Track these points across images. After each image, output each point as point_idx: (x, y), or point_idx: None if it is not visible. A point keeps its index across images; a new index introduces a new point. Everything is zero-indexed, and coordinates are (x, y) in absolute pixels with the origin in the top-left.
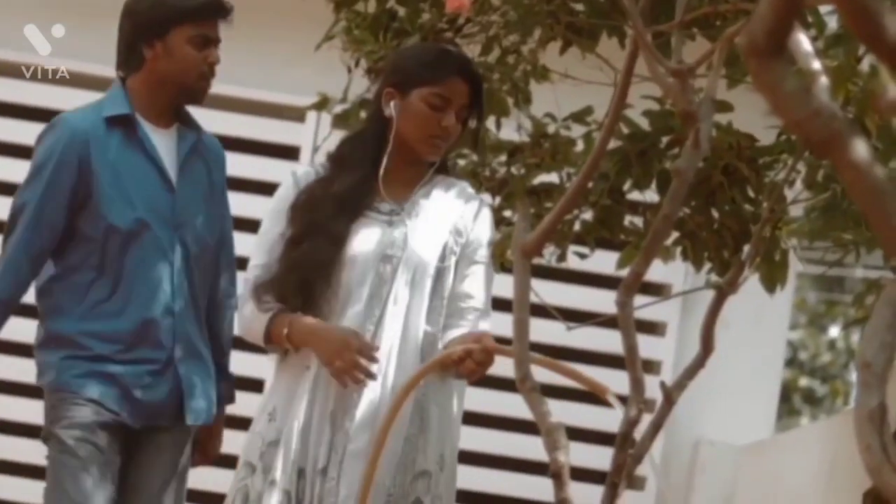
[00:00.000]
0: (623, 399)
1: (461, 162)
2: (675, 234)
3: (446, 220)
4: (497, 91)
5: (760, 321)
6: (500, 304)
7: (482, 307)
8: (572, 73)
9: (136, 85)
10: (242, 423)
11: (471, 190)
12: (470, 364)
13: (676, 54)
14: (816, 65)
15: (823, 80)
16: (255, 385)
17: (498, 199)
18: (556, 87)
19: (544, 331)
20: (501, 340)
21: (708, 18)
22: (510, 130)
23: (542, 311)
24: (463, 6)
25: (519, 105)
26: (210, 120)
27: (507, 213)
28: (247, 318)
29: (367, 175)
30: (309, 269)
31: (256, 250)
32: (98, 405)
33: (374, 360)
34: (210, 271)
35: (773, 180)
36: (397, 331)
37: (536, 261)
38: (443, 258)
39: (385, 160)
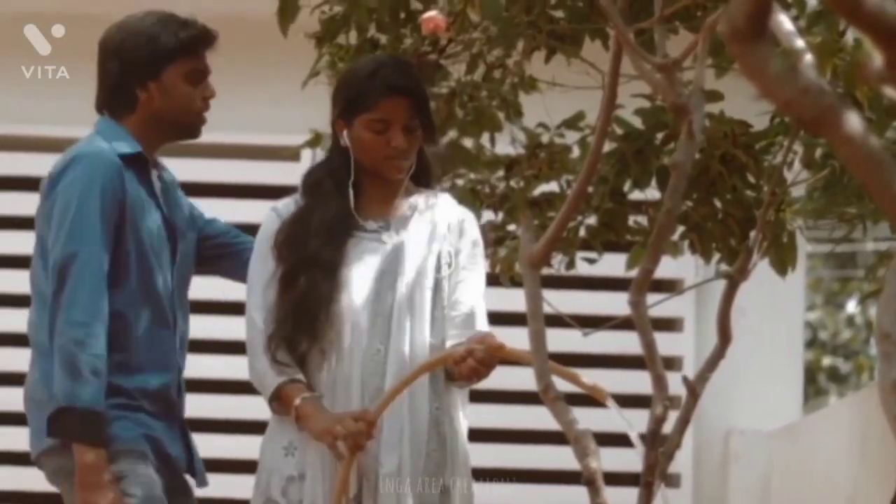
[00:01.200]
0: (647, 398)
1: (459, 182)
2: (681, 229)
3: (436, 231)
4: (487, 107)
5: (776, 305)
6: (514, 318)
7: (474, 311)
8: (560, 81)
9: (130, 126)
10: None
11: (452, 199)
12: (471, 363)
13: (661, 49)
14: (800, 43)
15: (809, 58)
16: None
17: (501, 215)
18: (545, 97)
19: (561, 339)
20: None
21: (688, 10)
22: (505, 145)
23: (557, 319)
24: (439, 27)
25: (510, 118)
26: (205, 169)
27: (512, 227)
28: (259, 373)
29: (344, 199)
30: (311, 305)
31: (251, 294)
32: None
33: (369, 435)
34: None
35: (772, 164)
36: (406, 346)
37: (546, 271)
38: (438, 269)
39: (352, 185)
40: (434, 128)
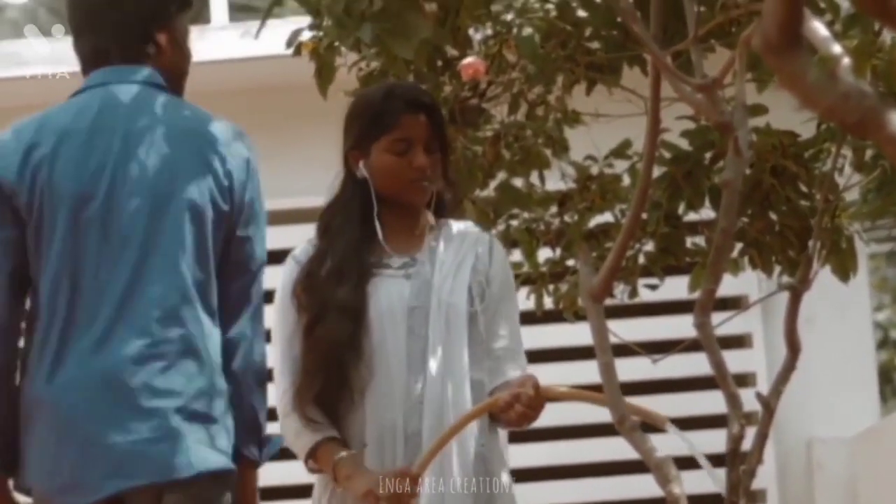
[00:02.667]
0: (723, 418)
1: (513, 222)
2: (739, 245)
3: (465, 262)
4: (533, 146)
5: (843, 310)
6: (582, 353)
7: (516, 344)
8: (603, 111)
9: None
10: None
11: (477, 228)
12: (519, 409)
13: (699, 70)
14: (837, 48)
15: (846, 62)
16: None
17: (558, 251)
18: (590, 129)
19: (632, 368)
20: (592, 387)
21: (723, 27)
22: (555, 181)
23: (625, 349)
24: (478, 72)
25: (558, 154)
26: None
27: (571, 262)
28: (292, 432)
29: (360, 237)
30: (337, 353)
31: (275, 348)
32: None
33: (413, 494)
34: None
35: (822, 171)
36: (446, 384)
37: (609, 301)
38: (471, 301)
39: (377, 219)
40: (449, 149)
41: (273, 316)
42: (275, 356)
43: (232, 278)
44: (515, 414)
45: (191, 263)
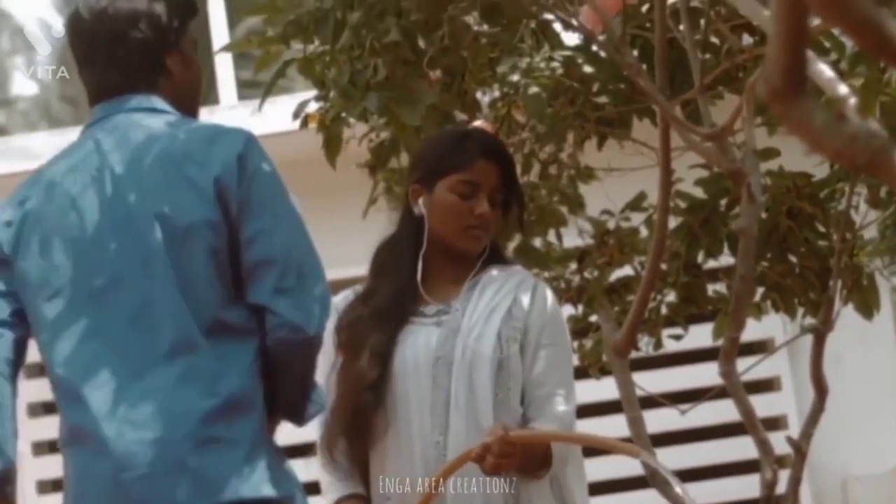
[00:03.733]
0: (756, 463)
1: None
2: (761, 290)
3: (498, 308)
4: (548, 204)
5: (869, 347)
6: (610, 407)
7: (555, 391)
8: (615, 165)
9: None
10: None
11: (525, 273)
12: (489, 459)
13: (707, 119)
14: (843, 88)
15: (853, 102)
16: None
17: (580, 307)
18: (604, 184)
19: (661, 419)
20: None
21: (729, 73)
22: (573, 238)
23: (653, 400)
24: None
25: (574, 211)
26: None
27: (594, 319)
28: (323, 480)
29: (407, 281)
30: (358, 393)
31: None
32: None
33: None
34: None
35: (838, 210)
36: (465, 435)
37: (634, 354)
38: (500, 348)
39: (421, 263)
40: (524, 197)
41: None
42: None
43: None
44: (489, 465)
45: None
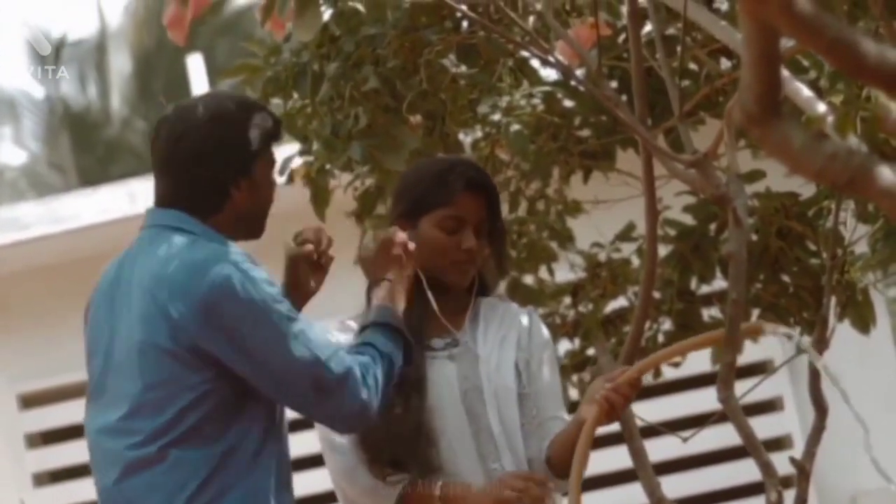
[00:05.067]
0: (761, 486)
1: None
2: (757, 311)
3: (507, 338)
4: (538, 240)
5: (869, 361)
6: (612, 439)
7: (562, 415)
8: (602, 197)
9: (214, 227)
10: None
11: (516, 305)
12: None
13: (689, 146)
14: (821, 107)
15: (832, 121)
16: None
17: (577, 341)
18: (592, 216)
19: (664, 447)
20: (626, 472)
21: (709, 98)
22: (564, 272)
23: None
24: None
25: (564, 246)
26: None
27: (591, 352)
28: (367, 490)
29: (412, 314)
30: (408, 427)
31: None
32: None
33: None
34: None
35: (827, 227)
36: (515, 462)
37: None
38: (518, 380)
39: (415, 299)
40: (505, 234)
41: None
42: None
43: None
44: (620, 405)
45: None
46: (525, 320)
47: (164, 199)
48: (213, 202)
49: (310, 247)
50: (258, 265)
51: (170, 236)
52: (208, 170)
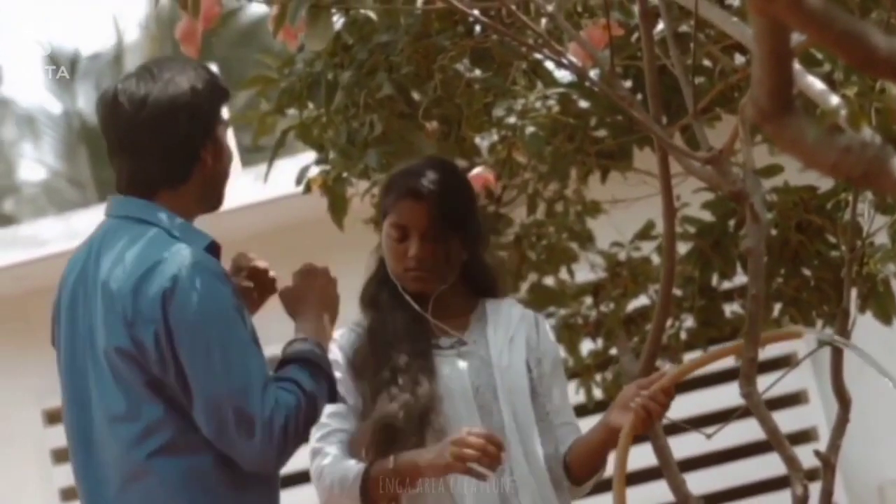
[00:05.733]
0: (786, 479)
1: (551, 320)
2: (779, 306)
3: (516, 338)
4: (558, 242)
5: (890, 352)
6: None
7: (573, 420)
8: (620, 197)
9: (181, 198)
10: None
11: (520, 306)
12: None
13: (704, 143)
14: (834, 100)
15: (844, 114)
16: None
17: (600, 341)
18: (611, 216)
19: (689, 444)
20: (651, 470)
21: (724, 94)
22: (585, 273)
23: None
24: (488, 181)
25: (584, 246)
26: None
27: (614, 351)
28: (337, 483)
29: (411, 313)
30: (415, 420)
31: (317, 429)
32: None
33: (500, 447)
34: None
35: (846, 219)
36: (525, 461)
37: None
38: (531, 378)
39: (402, 303)
40: (475, 236)
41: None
42: (314, 436)
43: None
44: (657, 413)
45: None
46: (532, 321)
47: (129, 181)
48: (182, 169)
49: (248, 283)
50: (218, 272)
51: (131, 229)
52: (179, 131)
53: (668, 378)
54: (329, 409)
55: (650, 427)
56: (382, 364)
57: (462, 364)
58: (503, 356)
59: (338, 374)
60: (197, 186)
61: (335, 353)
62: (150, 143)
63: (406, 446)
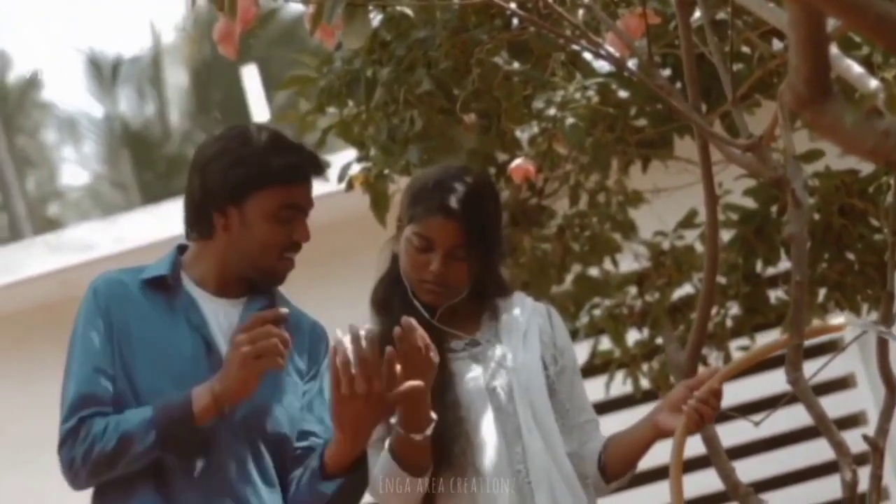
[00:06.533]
0: (835, 465)
1: (596, 312)
2: (824, 290)
3: (529, 334)
4: (601, 233)
5: None
6: None
7: (594, 416)
8: (662, 186)
9: (209, 253)
10: None
11: (531, 300)
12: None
13: (744, 130)
14: (873, 83)
15: (882, 97)
16: None
17: (646, 331)
18: (653, 205)
19: (737, 431)
20: (699, 459)
21: (763, 81)
22: (629, 263)
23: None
24: (529, 173)
25: (627, 236)
26: None
27: (660, 340)
28: (391, 476)
29: (421, 314)
30: (440, 431)
31: None
32: None
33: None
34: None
35: (888, 202)
36: (546, 460)
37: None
38: (547, 374)
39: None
40: (496, 252)
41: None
42: None
43: None
44: (709, 416)
45: None
46: (545, 313)
47: (186, 232)
48: (201, 223)
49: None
50: (92, 287)
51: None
52: (199, 186)
53: (717, 378)
54: None
55: (700, 429)
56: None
57: (476, 366)
58: (518, 355)
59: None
60: (220, 247)
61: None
62: (186, 190)
63: (439, 457)
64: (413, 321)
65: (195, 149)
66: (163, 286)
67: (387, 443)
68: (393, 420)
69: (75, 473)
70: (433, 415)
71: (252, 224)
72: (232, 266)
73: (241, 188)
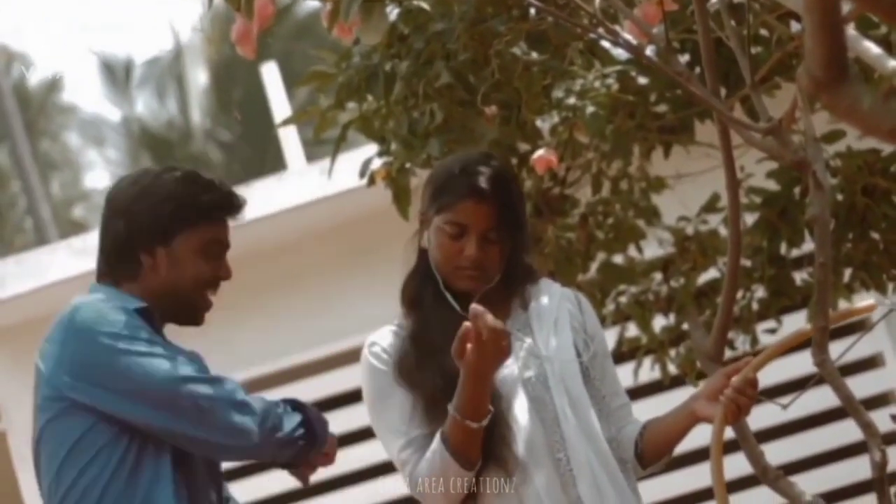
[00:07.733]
0: (864, 445)
1: (622, 299)
2: (850, 271)
3: (560, 321)
4: (624, 220)
5: None
6: None
7: (628, 400)
8: (684, 171)
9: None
10: None
11: (559, 286)
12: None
13: (763, 113)
14: (892, 63)
15: None
16: None
17: (672, 316)
18: (676, 191)
19: (764, 414)
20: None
21: (782, 63)
22: (653, 249)
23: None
24: (551, 163)
25: (651, 222)
26: (324, 384)
27: (686, 327)
28: (436, 472)
29: (455, 309)
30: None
31: (390, 444)
32: None
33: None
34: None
35: None
36: (586, 446)
37: (729, 354)
38: (580, 361)
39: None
40: (522, 235)
41: (373, 408)
42: (391, 450)
43: None
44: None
45: None
46: (574, 298)
47: (97, 272)
48: (127, 266)
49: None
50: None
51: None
52: (123, 228)
53: (752, 367)
54: (398, 415)
55: (739, 420)
56: (431, 370)
57: (509, 358)
58: (551, 343)
59: (383, 380)
60: (145, 289)
61: (372, 361)
62: (103, 236)
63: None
64: (481, 308)
65: (106, 196)
66: (148, 317)
67: (439, 433)
68: (450, 407)
69: None
70: (490, 406)
71: (182, 261)
72: (156, 305)
73: (172, 225)
